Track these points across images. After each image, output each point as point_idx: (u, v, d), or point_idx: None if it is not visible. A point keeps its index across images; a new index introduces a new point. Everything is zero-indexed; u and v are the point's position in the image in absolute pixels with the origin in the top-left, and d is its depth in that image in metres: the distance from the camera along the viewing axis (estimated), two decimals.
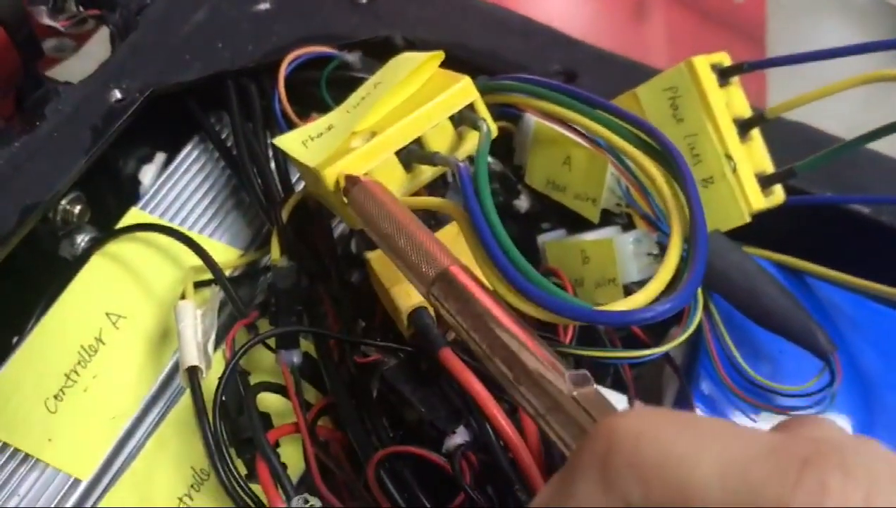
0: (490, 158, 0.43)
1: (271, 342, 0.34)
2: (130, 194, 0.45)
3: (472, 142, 0.33)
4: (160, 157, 0.47)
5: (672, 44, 0.60)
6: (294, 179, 0.42)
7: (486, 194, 0.26)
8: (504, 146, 0.43)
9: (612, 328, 0.37)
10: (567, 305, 0.23)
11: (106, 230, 0.42)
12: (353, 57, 0.43)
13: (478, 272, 0.26)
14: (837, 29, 0.84)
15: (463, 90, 0.33)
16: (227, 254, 0.41)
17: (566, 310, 0.23)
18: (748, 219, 0.37)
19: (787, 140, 0.39)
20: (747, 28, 0.71)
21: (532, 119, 0.41)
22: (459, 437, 0.32)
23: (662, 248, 0.37)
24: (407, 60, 0.35)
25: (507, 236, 0.25)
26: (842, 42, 0.35)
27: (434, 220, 0.36)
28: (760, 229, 0.39)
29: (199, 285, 0.39)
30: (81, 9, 0.47)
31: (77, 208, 0.42)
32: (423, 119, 0.32)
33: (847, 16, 0.87)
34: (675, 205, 0.27)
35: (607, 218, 0.39)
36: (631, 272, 0.37)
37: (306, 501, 0.28)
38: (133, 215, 0.42)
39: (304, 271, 0.38)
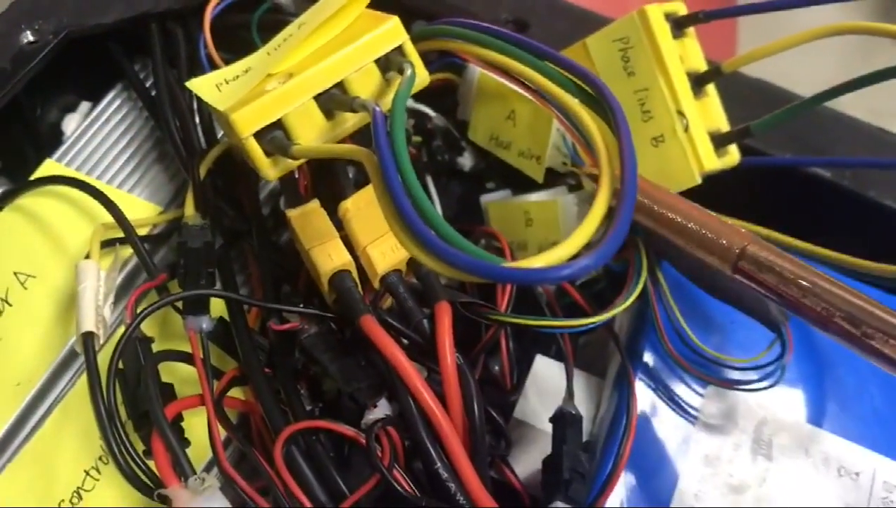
0: (432, 113, 0.41)
1: (181, 305, 0.32)
2: (50, 144, 0.42)
3: (397, 87, 0.30)
4: (84, 106, 0.44)
5: None
6: (220, 134, 0.39)
7: (400, 138, 0.24)
8: (449, 100, 0.41)
9: (550, 292, 0.35)
10: (476, 261, 0.20)
11: (20, 182, 0.40)
12: None
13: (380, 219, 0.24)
14: None
15: (390, 32, 0.30)
16: (146, 210, 0.39)
17: (475, 267, 0.20)
18: (699, 180, 0.34)
19: (745, 97, 0.36)
20: None
21: (476, 70, 0.38)
22: (380, 411, 0.29)
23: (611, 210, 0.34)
24: (334, 0, 0.32)
25: (418, 185, 0.22)
26: None
27: (361, 173, 0.33)
28: (714, 192, 0.36)
29: (111, 243, 0.36)
30: None
31: None
32: (345, 61, 0.29)
33: None
34: (606, 156, 0.24)
35: (553, 178, 0.37)
36: None
37: (203, 481, 0.26)
38: (48, 167, 0.40)
39: (225, 230, 0.35)
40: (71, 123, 0.44)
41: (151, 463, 0.28)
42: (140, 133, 0.41)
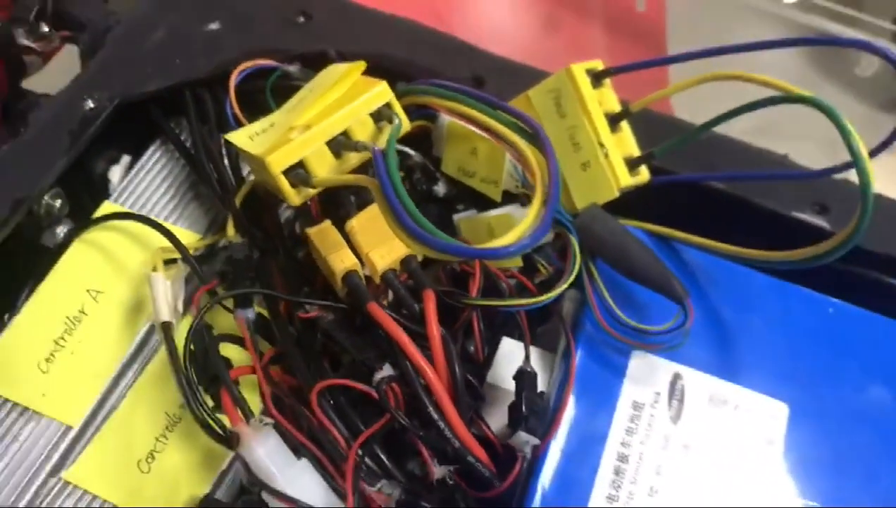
0: (412, 152, 0.51)
1: (229, 305, 0.42)
2: (101, 190, 0.52)
3: (388, 133, 0.40)
4: (125, 158, 0.54)
5: (577, 52, 0.68)
6: (245, 173, 0.49)
7: (394, 168, 0.34)
8: (425, 142, 0.51)
9: (511, 286, 0.45)
10: (452, 245, 0.31)
11: (82, 222, 0.49)
12: (293, 68, 0.51)
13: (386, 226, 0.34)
14: (737, 32, 0.92)
15: (380, 93, 0.41)
16: (188, 238, 0.48)
17: (452, 249, 0.31)
18: (617, 194, 0.45)
19: (652, 129, 0.47)
20: (650, 33, 0.80)
21: (445, 118, 0.48)
22: (385, 371, 0.39)
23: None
24: (336, 69, 0.42)
25: (407, 196, 0.32)
26: None
27: (360, 198, 0.43)
28: (635, 205, 0.47)
29: (166, 263, 0.46)
30: (53, 31, 0.54)
31: (58, 202, 0.48)
32: (348, 115, 0.40)
33: (745, 20, 0.96)
34: (539, 172, 0.35)
35: (508, 197, 0.47)
36: None
37: (262, 420, 0.36)
38: (107, 207, 0.49)
39: (255, 247, 0.45)
40: (116, 173, 0.53)
41: (220, 417, 0.38)
42: (178, 177, 0.51)
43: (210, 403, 0.38)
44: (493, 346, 0.46)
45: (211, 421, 0.38)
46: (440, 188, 0.51)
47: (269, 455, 0.35)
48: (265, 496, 0.35)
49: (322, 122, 0.40)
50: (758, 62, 0.45)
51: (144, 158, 0.52)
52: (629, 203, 0.47)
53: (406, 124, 0.41)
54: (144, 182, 0.51)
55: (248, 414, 0.37)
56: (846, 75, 0.84)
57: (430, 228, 0.32)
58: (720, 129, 0.49)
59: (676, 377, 0.43)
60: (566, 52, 0.67)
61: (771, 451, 0.42)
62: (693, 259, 0.47)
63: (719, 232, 0.47)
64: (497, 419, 0.43)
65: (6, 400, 0.43)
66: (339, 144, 0.40)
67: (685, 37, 0.86)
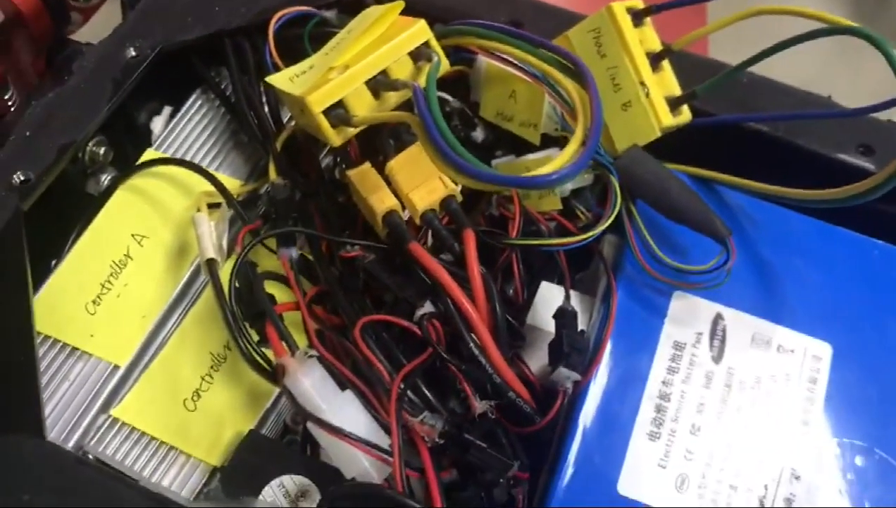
0: (450, 98, 0.51)
1: (272, 244, 0.42)
2: (144, 140, 0.53)
3: (427, 71, 0.40)
4: (167, 109, 0.54)
5: None
6: (285, 119, 0.50)
7: (434, 103, 0.34)
8: (463, 88, 0.51)
9: (551, 228, 0.45)
10: (494, 174, 0.31)
11: (126, 169, 0.50)
12: (330, 14, 0.51)
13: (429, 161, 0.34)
14: None
15: (418, 31, 0.41)
16: (230, 184, 0.49)
17: (494, 178, 0.31)
18: (659, 133, 0.44)
19: (692, 69, 0.46)
20: None
21: (483, 61, 0.48)
22: (426, 308, 0.40)
23: (592, 162, 0.45)
24: (374, 11, 0.42)
25: (448, 129, 0.33)
26: None
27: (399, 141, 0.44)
28: (677, 146, 0.46)
29: (210, 207, 0.46)
30: None
31: (102, 150, 0.49)
32: (387, 54, 0.40)
33: None
34: (582, 107, 0.34)
35: (547, 141, 0.47)
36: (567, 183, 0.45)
37: (305, 354, 0.36)
38: (150, 154, 0.50)
39: (297, 190, 0.45)
40: (158, 124, 0.54)
41: (265, 351, 0.38)
42: (219, 126, 0.52)
43: (255, 338, 0.39)
44: (532, 290, 0.46)
45: (256, 356, 0.38)
46: (479, 134, 0.50)
47: (314, 385, 0.36)
48: (310, 426, 0.36)
49: (361, 61, 0.40)
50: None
51: (185, 107, 0.52)
52: (671, 145, 0.46)
53: (445, 63, 0.41)
54: (186, 130, 0.51)
55: (293, 348, 0.37)
56: (888, 18, 0.82)
57: (472, 159, 0.32)
58: (763, 71, 0.48)
59: (718, 317, 0.43)
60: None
61: (814, 391, 0.41)
62: (734, 201, 0.47)
63: (762, 175, 0.46)
64: (537, 361, 0.44)
65: (56, 341, 0.44)
66: (379, 84, 0.40)
67: None
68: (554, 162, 0.31)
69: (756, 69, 0.45)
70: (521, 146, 0.48)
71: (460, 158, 0.32)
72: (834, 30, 0.40)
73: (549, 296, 0.46)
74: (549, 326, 0.42)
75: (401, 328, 0.40)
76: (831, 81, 0.61)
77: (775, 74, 0.51)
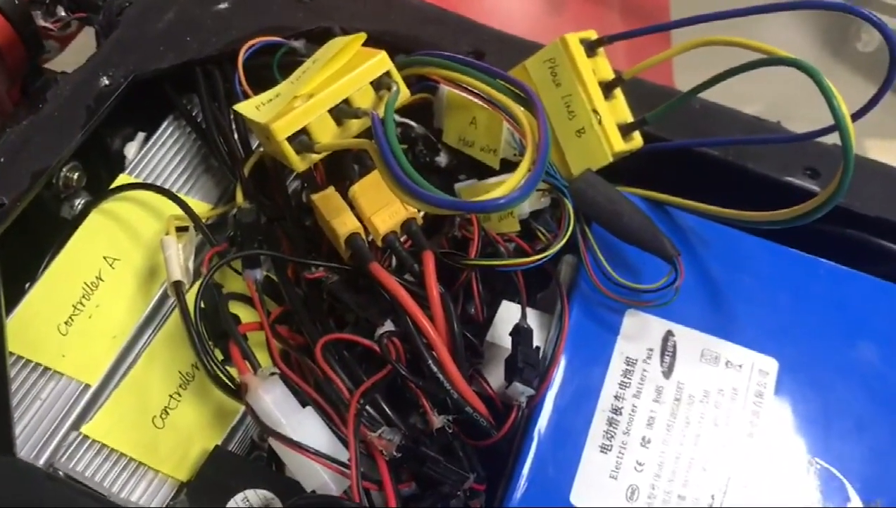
0: (415, 124, 0.53)
1: (238, 266, 0.44)
2: (117, 165, 0.54)
3: (387, 100, 0.42)
4: (140, 135, 0.56)
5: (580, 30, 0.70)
6: (254, 145, 0.51)
7: (391, 131, 0.36)
8: (427, 115, 0.53)
9: (509, 249, 0.47)
10: (448, 200, 0.33)
11: (97, 194, 0.51)
12: (298, 44, 0.52)
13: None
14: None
15: (379, 62, 0.42)
16: (200, 208, 0.50)
17: (448, 203, 0.33)
18: (611, 159, 0.46)
19: (644, 96, 0.48)
20: (652, 13, 0.82)
21: (445, 89, 0.50)
22: (387, 327, 0.41)
23: (548, 186, 0.47)
24: (338, 41, 0.44)
25: (403, 155, 0.34)
26: None
27: (363, 167, 0.45)
28: (632, 170, 0.48)
29: (178, 231, 0.48)
30: (69, 13, 0.56)
31: (76, 175, 0.51)
32: (349, 84, 0.42)
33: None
34: (531, 134, 0.36)
35: (506, 166, 0.49)
36: (523, 206, 0.47)
37: (268, 371, 0.37)
38: (123, 179, 0.52)
39: (264, 214, 0.47)
40: (132, 149, 0.55)
41: (229, 370, 0.40)
42: (190, 151, 0.53)
43: (220, 357, 0.40)
44: (493, 309, 0.48)
45: (221, 374, 0.40)
46: (442, 159, 0.52)
47: (275, 402, 0.37)
48: (271, 441, 0.37)
49: (324, 90, 0.42)
50: (761, 38, 0.46)
51: (158, 133, 0.54)
52: (626, 169, 0.48)
53: (405, 92, 0.43)
54: (158, 156, 0.53)
55: (255, 366, 0.39)
56: (848, 51, 0.85)
57: (424, 183, 0.33)
58: (714, 98, 0.50)
59: (669, 334, 0.45)
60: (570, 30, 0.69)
61: (760, 404, 0.43)
62: (685, 222, 0.49)
63: (713, 197, 0.48)
64: (497, 377, 0.45)
65: (28, 361, 0.45)
66: (341, 112, 0.42)
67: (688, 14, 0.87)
68: (502, 187, 0.33)
69: (717, 94, 0.47)
70: (483, 170, 0.50)
71: (413, 184, 0.33)
72: (776, 60, 0.42)
73: (509, 314, 0.47)
74: (508, 343, 0.44)
75: (364, 348, 0.41)
76: (796, 104, 0.63)
77: (743, 99, 0.53)
